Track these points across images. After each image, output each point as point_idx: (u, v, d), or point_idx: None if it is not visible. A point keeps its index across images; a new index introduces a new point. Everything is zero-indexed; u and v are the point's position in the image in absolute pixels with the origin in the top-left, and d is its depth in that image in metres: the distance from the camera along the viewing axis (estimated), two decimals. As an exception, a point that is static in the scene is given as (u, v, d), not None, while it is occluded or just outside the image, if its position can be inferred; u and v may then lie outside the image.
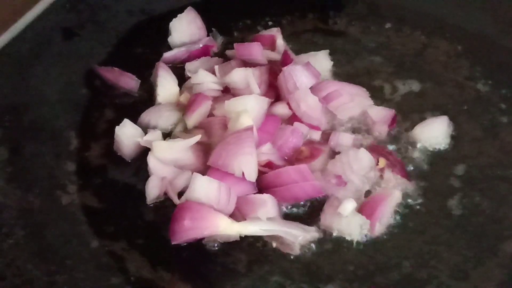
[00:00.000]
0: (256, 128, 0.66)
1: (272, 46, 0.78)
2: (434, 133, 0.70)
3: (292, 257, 0.62)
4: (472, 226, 0.64)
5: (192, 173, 0.65)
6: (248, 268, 0.62)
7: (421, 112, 0.73)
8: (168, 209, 0.65)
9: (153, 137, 0.68)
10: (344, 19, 0.83)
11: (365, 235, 0.63)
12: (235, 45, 0.76)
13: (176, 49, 0.79)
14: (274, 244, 0.63)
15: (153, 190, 0.66)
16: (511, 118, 0.73)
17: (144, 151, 0.68)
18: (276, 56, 0.76)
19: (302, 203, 0.66)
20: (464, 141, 0.71)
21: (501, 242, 0.63)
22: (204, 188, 0.63)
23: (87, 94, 0.76)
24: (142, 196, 0.66)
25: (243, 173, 0.64)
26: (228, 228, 0.62)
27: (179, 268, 0.62)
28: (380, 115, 0.71)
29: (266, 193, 0.64)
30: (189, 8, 0.80)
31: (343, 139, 0.69)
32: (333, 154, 0.69)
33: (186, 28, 0.80)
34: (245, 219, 0.63)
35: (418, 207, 0.66)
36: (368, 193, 0.66)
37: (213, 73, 0.74)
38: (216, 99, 0.71)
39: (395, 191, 0.65)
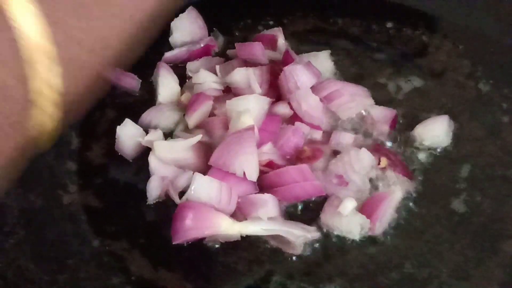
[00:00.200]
0: (257, 127, 0.66)
1: (273, 45, 0.78)
2: (435, 132, 0.70)
3: (293, 256, 0.62)
4: (474, 225, 0.64)
5: (193, 173, 0.65)
6: (249, 268, 0.62)
7: (422, 112, 0.73)
8: (169, 209, 0.65)
9: (154, 137, 0.68)
10: (345, 18, 0.83)
11: (366, 235, 0.63)
12: (236, 44, 0.76)
13: (177, 48, 0.79)
14: (275, 244, 0.63)
15: (154, 190, 0.66)
16: (513, 117, 0.73)
17: (145, 151, 0.68)
18: (277, 55, 0.76)
19: (303, 202, 0.66)
20: (466, 141, 0.70)
21: (502, 242, 0.63)
22: (205, 188, 0.63)
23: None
24: (143, 196, 0.66)
25: (244, 173, 0.64)
26: (229, 228, 0.62)
27: (180, 267, 0.62)
28: (381, 115, 0.71)
29: (267, 192, 0.64)
30: (190, 7, 0.80)
31: (344, 138, 0.69)
32: (334, 153, 0.69)
33: (187, 28, 0.80)
34: (246, 219, 0.63)
35: (419, 206, 0.66)
36: (369, 192, 0.66)
37: (214, 72, 0.74)
38: (217, 99, 0.71)
39: (396, 191, 0.65)
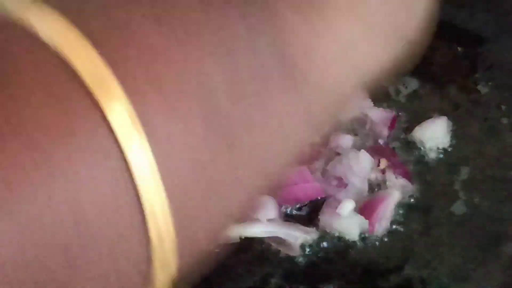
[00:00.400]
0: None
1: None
2: (434, 134, 0.70)
3: (292, 258, 0.62)
4: (473, 227, 0.64)
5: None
6: (248, 269, 0.62)
7: (421, 113, 0.72)
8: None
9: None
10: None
11: (365, 236, 0.63)
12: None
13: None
14: (274, 245, 0.63)
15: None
16: (512, 119, 0.73)
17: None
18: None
19: (301, 204, 0.66)
20: (465, 142, 0.70)
21: (502, 243, 0.63)
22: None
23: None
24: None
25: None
26: (228, 230, 0.62)
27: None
28: (380, 117, 0.71)
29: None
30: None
31: (344, 140, 0.69)
32: (334, 155, 0.68)
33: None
34: (245, 221, 0.63)
35: (418, 208, 0.65)
36: (368, 194, 0.66)
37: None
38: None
39: (395, 192, 0.65)
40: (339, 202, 0.64)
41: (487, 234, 0.64)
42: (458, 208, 0.66)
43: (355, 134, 0.70)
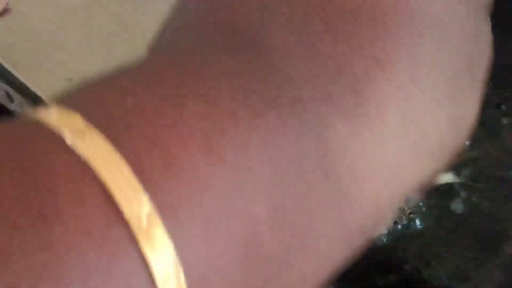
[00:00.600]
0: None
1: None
2: (434, 133, 0.70)
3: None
4: (473, 227, 0.64)
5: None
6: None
7: (422, 113, 0.72)
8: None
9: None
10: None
11: (365, 236, 0.63)
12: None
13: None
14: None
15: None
16: (512, 119, 0.73)
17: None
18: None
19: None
20: (465, 142, 0.70)
21: (502, 243, 0.63)
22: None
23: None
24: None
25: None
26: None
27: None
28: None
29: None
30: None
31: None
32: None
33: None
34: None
35: (418, 207, 0.65)
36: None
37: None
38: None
39: (395, 192, 0.65)
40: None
41: (487, 234, 0.64)
42: (458, 207, 0.66)
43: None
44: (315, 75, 0.28)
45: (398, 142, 0.29)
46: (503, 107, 0.74)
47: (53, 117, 0.24)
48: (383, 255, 0.62)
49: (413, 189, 0.32)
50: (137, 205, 0.22)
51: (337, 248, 0.30)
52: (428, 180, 0.33)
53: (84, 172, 0.22)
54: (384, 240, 0.63)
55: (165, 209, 0.23)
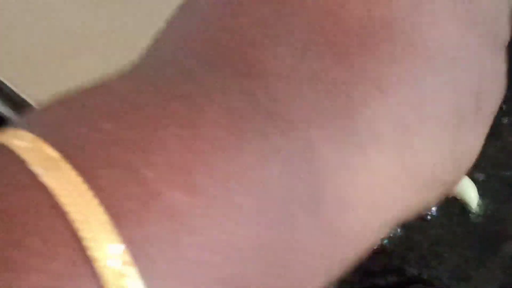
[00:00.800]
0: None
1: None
2: (434, 133, 0.70)
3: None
4: (474, 227, 0.64)
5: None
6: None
7: (422, 113, 0.72)
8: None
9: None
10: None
11: (365, 236, 0.63)
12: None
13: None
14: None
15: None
16: (512, 119, 0.73)
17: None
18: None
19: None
20: (465, 142, 0.70)
21: (503, 243, 0.63)
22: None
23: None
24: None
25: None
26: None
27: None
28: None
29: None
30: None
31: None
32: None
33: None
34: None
35: (418, 207, 0.65)
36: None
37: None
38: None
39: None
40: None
41: (487, 234, 0.63)
42: (458, 207, 0.65)
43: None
44: (307, 97, 0.27)
45: (392, 172, 0.28)
46: (503, 107, 0.74)
47: (21, 144, 0.22)
48: (383, 255, 0.62)
49: (404, 218, 0.31)
50: (107, 248, 0.21)
51: (318, 277, 0.29)
52: (421, 209, 0.32)
53: (51, 207, 0.21)
54: (387, 240, 0.63)
55: (139, 251, 0.21)
